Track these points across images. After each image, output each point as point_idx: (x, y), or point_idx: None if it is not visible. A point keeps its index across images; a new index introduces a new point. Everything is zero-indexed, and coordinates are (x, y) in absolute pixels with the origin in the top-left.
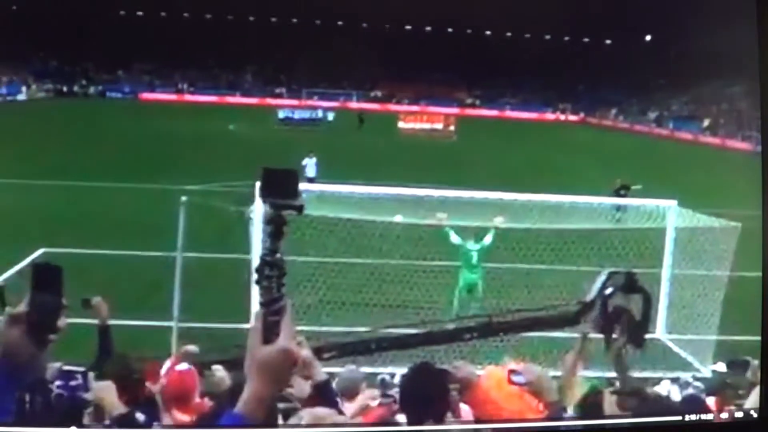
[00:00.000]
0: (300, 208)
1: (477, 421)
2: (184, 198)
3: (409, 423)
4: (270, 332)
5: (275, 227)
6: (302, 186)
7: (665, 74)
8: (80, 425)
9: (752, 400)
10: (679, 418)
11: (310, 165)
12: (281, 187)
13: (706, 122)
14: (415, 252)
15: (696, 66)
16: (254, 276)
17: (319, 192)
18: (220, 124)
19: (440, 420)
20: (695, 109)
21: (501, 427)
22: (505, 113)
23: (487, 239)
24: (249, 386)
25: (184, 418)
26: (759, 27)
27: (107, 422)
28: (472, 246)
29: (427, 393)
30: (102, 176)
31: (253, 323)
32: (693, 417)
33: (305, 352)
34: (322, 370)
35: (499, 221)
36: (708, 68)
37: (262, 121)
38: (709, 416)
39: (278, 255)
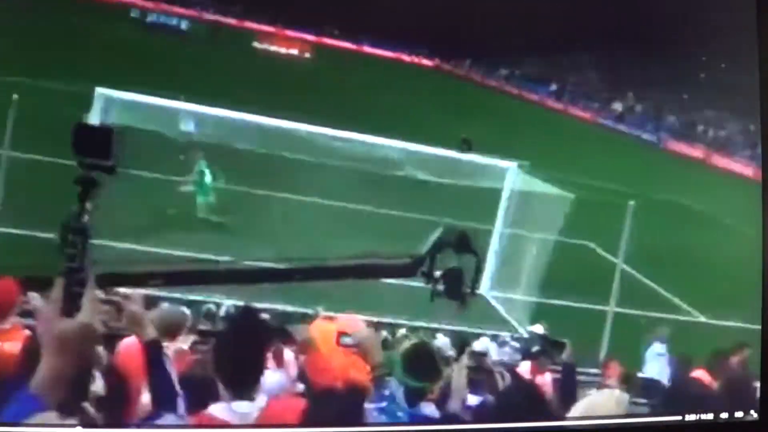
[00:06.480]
0: (110, 169)
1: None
2: (15, 96)
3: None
4: (71, 304)
5: (84, 188)
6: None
7: (520, 33)
8: None
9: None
10: (679, 418)
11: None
12: (94, 144)
13: (553, 86)
14: None
15: (550, 28)
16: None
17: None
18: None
19: (256, 375)
20: (544, 71)
21: (501, 426)
22: (363, 48)
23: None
24: (46, 363)
25: None
26: (758, 26)
27: None
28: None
29: (245, 351)
30: None
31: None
32: (693, 417)
33: (134, 307)
34: (152, 329)
35: None
36: (561, 32)
37: (116, 20)
38: (709, 416)
39: (84, 219)
